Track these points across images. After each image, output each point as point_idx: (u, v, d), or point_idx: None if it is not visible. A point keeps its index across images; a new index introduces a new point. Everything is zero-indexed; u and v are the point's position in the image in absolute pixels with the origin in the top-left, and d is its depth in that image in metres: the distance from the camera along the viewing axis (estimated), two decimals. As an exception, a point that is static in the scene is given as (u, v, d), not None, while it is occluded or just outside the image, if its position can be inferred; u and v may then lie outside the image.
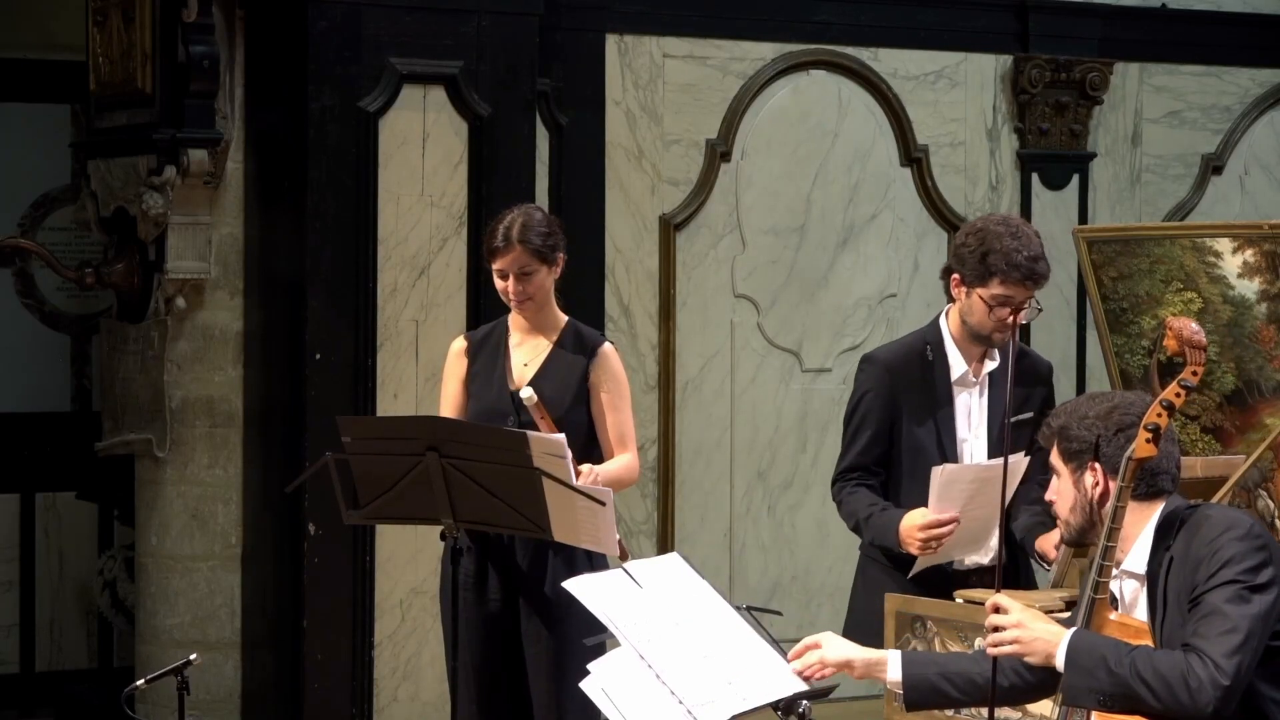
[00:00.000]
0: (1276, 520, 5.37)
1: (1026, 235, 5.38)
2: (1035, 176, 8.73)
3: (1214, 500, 5.08)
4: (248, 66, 7.50)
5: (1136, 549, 4.15)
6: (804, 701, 4.28)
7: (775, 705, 4.27)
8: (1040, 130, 8.70)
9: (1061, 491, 4.24)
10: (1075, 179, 8.81)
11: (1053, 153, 8.75)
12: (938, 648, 5.04)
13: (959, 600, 5.16)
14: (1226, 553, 4.01)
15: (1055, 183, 8.77)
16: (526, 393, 5.54)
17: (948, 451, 5.46)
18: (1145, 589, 4.14)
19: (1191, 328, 4.25)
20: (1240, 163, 9.16)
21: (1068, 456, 4.21)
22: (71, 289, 8.76)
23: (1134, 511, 4.13)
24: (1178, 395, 4.05)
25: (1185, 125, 9.06)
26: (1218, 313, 5.56)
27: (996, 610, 4.16)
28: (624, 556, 5.67)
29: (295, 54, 7.29)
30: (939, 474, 5.29)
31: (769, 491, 8.30)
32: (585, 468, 5.49)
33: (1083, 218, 8.74)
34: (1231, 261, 5.48)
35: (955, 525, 5.25)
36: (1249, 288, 5.46)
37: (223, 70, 7.44)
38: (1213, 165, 9.10)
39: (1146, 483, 4.13)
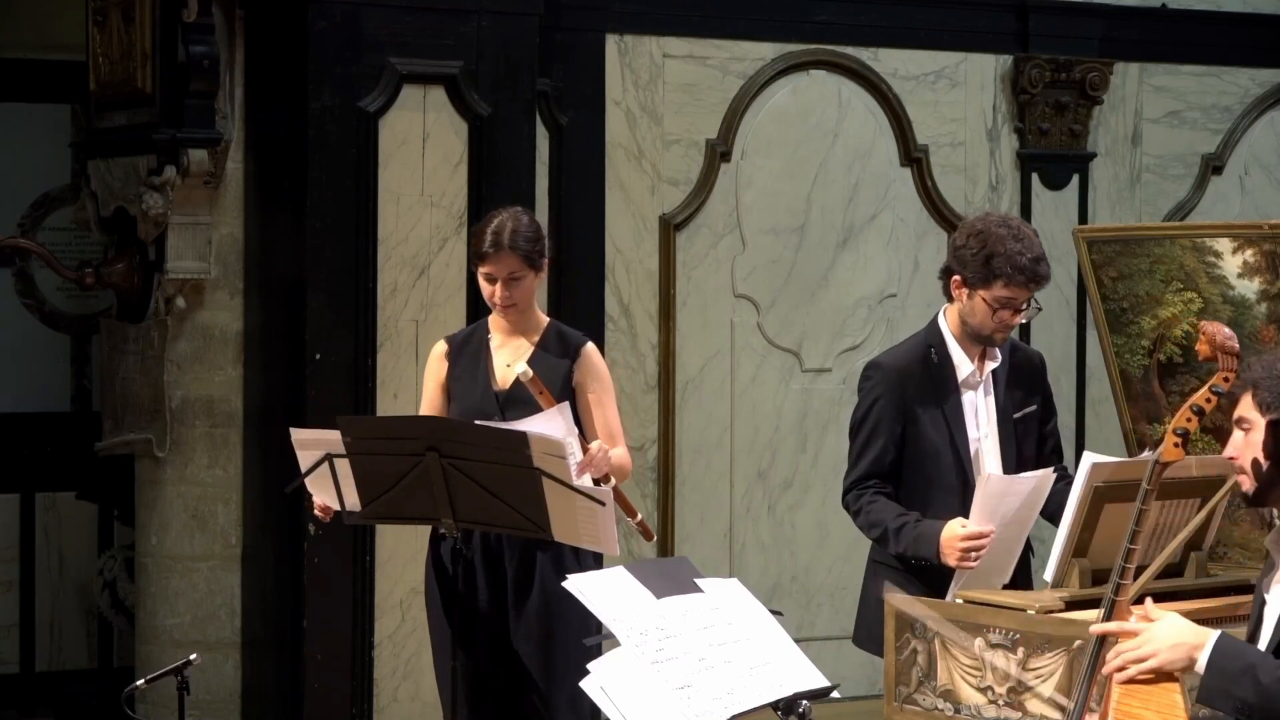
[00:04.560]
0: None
1: (1028, 237, 5.39)
2: (1035, 176, 8.73)
3: (1213, 500, 5.08)
4: (248, 66, 7.51)
5: None
6: (804, 701, 4.28)
7: (775, 705, 4.27)
8: (1040, 130, 8.70)
9: (1251, 444, 4.08)
10: (1075, 179, 8.81)
11: (1053, 153, 8.75)
12: (937, 648, 5.04)
13: (959, 600, 5.16)
14: None
15: (1055, 183, 8.77)
16: (521, 367, 5.55)
17: (961, 453, 5.45)
18: None
19: (1225, 333, 4.20)
20: (1240, 163, 9.16)
21: (1266, 407, 4.05)
22: (71, 289, 8.76)
23: None
24: (1208, 400, 4.02)
25: (1185, 125, 9.06)
26: (1218, 313, 5.56)
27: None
28: (649, 536, 5.74)
29: (295, 54, 7.30)
30: (986, 483, 5.25)
31: (769, 491, 8.30)
32: (596, 444, 5.50)
33: (1083, 218, 8.74)
34: (1231, 261, 5.47)
35: (992, 538, 5.20)
36: (1249, 288, 5.46)
37: (223, 70, 7.44)
38: (1213, 165, 9.10)
39: None
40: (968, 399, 5.49)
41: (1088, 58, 8.73)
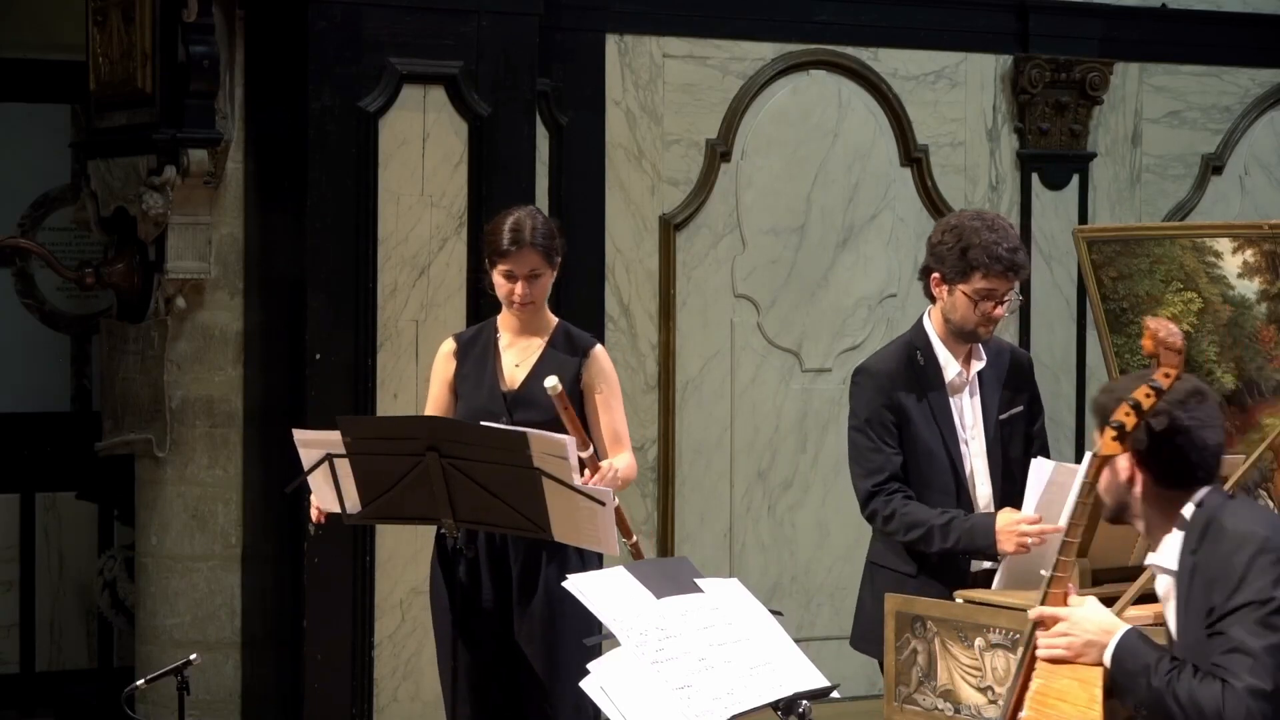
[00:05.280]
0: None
1: (1003, 228, 5.41)
2: (1035, 176, 8.73)
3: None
4: (248, 66, 7.51)
5: (1167, 544, 4.05)
6: (804, 701, 4.28)
7: (775, 705, 4.27)
8: (1040, 130, 8.70)
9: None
10: (1075, 179, 8.81)
11: (1053, 153, 8.75)
12: (937, 648, 5.04)
13: (959, 600, 5.16)
14: (1238, 572, 3.90)
15: (1055, 183, 8.77)
16: (551, 382, 5.53)
17: (953, 453, 5.46)
18: (1176, 588, 4.06)
19: (1169, 329, 4.17)
20: (1240, 163, 9.16)
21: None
22: (71, 289, 8.76)
23: (1159, 502, 4.04)
24: (1147, 396, 3.99)
25: (1185, 125, 9.06)
26: (1218, 313, 5.56)
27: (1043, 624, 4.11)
28: (638, 557, 5.71)
29: (295, 54, 7.30)
30: (1047, 470, 5.23)
31: (769, 491, 8.30)
32: (606, 464, 5.50)
33: (1083, 218, 8.74)
34: (1231, 261, 5.48)
35: (1055, 533, 5.16)
36: (1249, 288, 5.46)
37: (223, 70, 7.44)
38: (1213, 165, 9.10)
39: (1177, 472, 4.01)
40: (954, 400, 5.50)
41: (1088, 58, 8.73)
